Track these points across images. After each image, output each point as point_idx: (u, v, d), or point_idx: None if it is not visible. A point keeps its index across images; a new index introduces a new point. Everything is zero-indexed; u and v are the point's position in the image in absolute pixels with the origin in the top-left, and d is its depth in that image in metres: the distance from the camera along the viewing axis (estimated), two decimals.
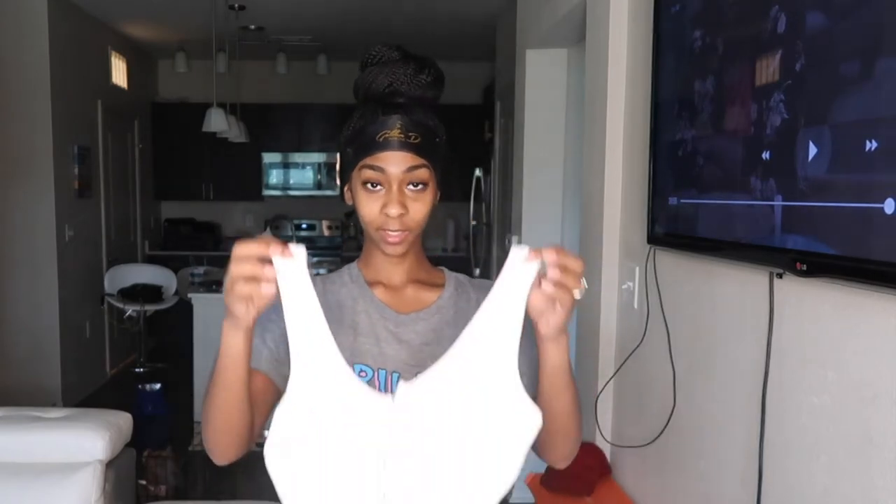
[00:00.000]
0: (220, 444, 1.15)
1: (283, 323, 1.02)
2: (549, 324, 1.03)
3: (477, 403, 1.01)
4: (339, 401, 1.01)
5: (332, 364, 1.01)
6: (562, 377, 1.09)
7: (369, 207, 1.19)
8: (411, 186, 1.18)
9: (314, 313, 1.00)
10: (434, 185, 1.22)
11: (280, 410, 1.02)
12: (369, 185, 1.19)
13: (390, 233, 1.19)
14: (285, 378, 1.04)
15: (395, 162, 1.17)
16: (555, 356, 1.07)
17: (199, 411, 5.11)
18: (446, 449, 1.01)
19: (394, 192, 1.18)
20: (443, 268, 1.34)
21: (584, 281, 1.02)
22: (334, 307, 1.24)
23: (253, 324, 1.01)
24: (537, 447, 1.14)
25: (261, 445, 1.19)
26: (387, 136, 1.17)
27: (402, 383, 1.03)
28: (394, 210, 1.17)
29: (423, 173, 1.19)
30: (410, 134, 1.18)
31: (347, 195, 1.25)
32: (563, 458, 1.22)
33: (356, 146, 1.20)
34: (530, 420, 1.03)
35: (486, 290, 1.07)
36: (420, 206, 1.20)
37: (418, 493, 1.02)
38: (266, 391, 1.18)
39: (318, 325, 1.00)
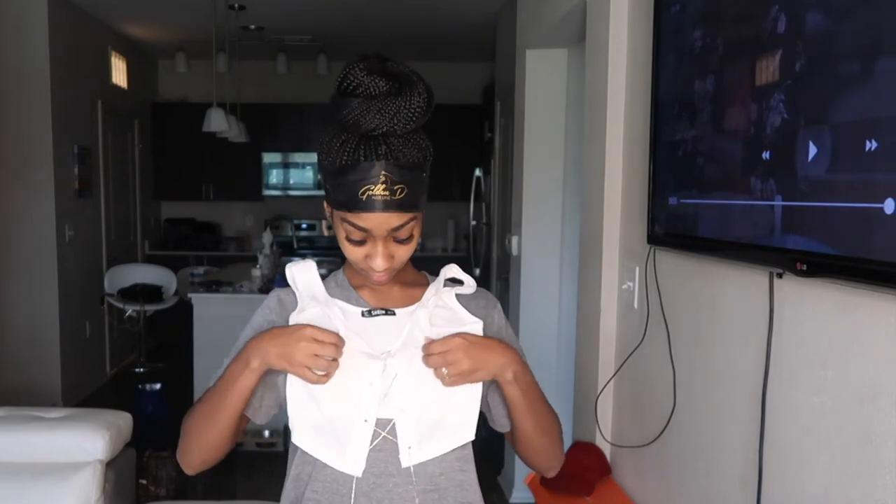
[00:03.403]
0: (202, 455, 1.24)
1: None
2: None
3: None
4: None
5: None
6: (515, 410, 1.24)
7: (352, 253, 1.17)
8: (398, 239, 1.15)
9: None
10: (421, 222, 1.18)
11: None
12: (352, 239, 1.15)
13: (376, 273, 1.18)
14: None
15: (379, 223, 1.11)
16: (504, 392, 1.22)
17: None
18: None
19: (378, 248, 1.14)
20: (424, 272, 1.34)
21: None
22: (321, 317, 1.23)
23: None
24: (521, 457, 1.33)
25: (260, 445, 1.24)
26: (370, 193, 1.09)
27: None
28: (379, 263, 1.15)
29: (410, 226, 1.15)
30: (396, 188, 1.09)
31: (327, 211, 1.20)
32: (544, 469, 1.36)
33: (335, 187, 1.12)
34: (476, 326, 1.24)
35: (465, 295, 1.27)
36: (407, 251, 1.18)
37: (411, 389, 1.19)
38: (244, 423, 1.28)
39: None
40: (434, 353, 1.16)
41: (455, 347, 1.16)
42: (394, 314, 1.22)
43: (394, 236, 1.14)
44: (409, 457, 1.18)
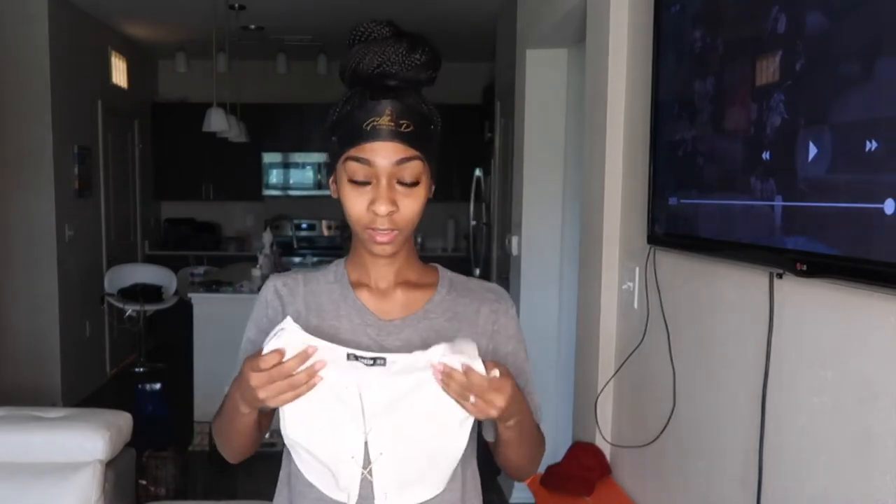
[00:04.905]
0: (235, 455, 1.26)
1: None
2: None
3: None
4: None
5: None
6: (506, 444, 1.17)
7: (356, 204, 1.10)
8: (403, 182, 1.08)
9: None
10: (428, 180, 1.11)
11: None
12: (356, 180, 1.09)
13: (379, 232, 1.10)
14: None
15: (384, 153, 1.07)
16: (499, 431, 1.14)
17: (200, 411, 5.10)
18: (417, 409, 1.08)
19: (382, 188, 1.07)
20: (436, 265, 1.26)
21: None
22: (314, 309, 1.19)
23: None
24: (499, 464, 1.27)
25: (261, 445, 1.24)
26: (375, 123, 1.06)
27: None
28: (382, 207, 1.07)
29: (416, 167, 1.08)
30: (402, 122, 1.07)
31: (333, 188, 1.15)
32: (516, 478, 1.31)
33: (341, 134, 1.10)
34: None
35: (477, 293, 1.19)
36: (411, 203, 1.10)
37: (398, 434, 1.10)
38: (269, 416, 1.24)
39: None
40: (483, 374, 1.02)
41: (503, 393, 1.03)
42: (383, 363, 1.06)
43: (400, 173, 1.08)
44: (386, 503, 1.13)
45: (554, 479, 2.34)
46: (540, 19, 3.54)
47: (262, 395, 1.03)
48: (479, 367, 1.02)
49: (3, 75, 5.01)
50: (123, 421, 2.47)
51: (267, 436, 1.29)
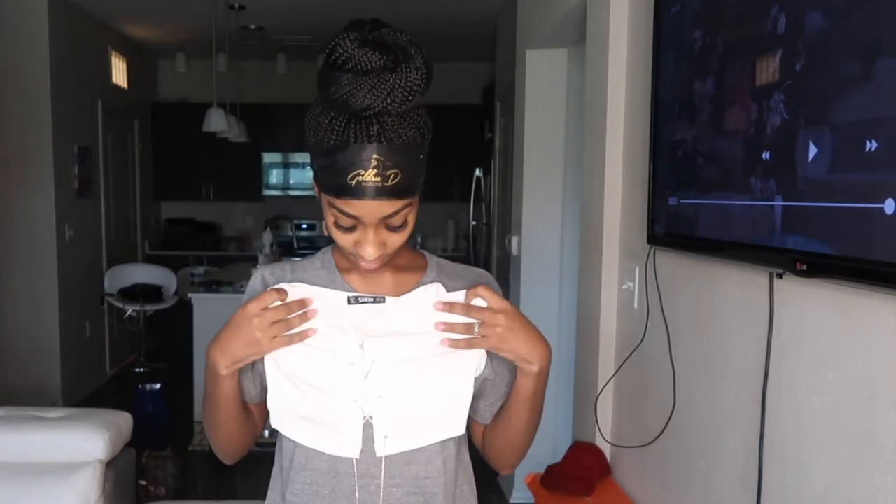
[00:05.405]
0: (227, 452, 1.25)
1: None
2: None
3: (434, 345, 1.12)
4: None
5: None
6: (520, 402, 1.16)
7: (342, 240, 1.08)
8: (390, 227, 1.07)
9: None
10: (416, 206, 1.09)
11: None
12: (341, 225, 1.06)
13: (366, 261, 1.09)
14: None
15: (369, 211, 1.02)
16: (519, 381, 1.15)
17: (200, 411, 5.12)
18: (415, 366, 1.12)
19: (370, 235, 1.06)
20: (424, 251, 1.26)
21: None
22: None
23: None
24: (485, 449, 1.27)
25: (260, 444, 1.23)
26: (360, 178, 0.99)
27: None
28: (370, 252, 1.06)
29: (405, 212, 1.06)
30: (389, 173, 1.00)
31: (315, 191, 1.12)
32: (504, 466, 1.29)
33: (322, 168, 1.03)
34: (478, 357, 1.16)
35: (466, 277, 1.20)
36: (399, 238, 1.08)
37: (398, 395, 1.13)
38: (261, 410, 1.23)
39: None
40: (479, 300, 1.09)
41: (503, 310, 1.08)
42: (383, 301, 1.11)
43: (386, 223, 1.06)
44: (385, 446, 1.13)
45: (554, 479, 2.34)
46: (540, 19, 3.54)
47: (259, 333, 1.07)
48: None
49: (2, 75, 5.01)
50: (123, 421, 2.47)
51: (266, 434, 1.28)
